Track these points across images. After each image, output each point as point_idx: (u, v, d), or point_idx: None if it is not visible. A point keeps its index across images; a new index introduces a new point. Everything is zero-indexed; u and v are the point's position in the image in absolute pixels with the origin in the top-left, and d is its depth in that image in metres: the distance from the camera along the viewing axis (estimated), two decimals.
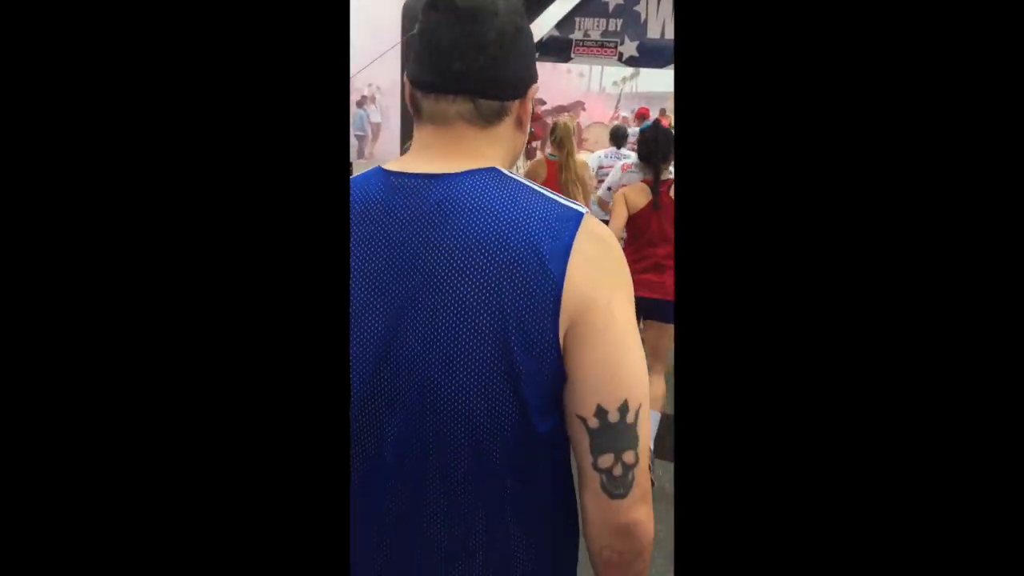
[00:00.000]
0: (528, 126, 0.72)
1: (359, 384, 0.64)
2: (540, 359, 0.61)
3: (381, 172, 0.69)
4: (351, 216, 0.65)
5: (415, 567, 0.67)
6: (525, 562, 0.67)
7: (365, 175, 0.70)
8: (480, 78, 0.64)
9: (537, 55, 0.81)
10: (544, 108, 6.79)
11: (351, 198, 0.66)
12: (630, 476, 0.61)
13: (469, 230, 0.62)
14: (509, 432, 0.63)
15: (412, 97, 0.68)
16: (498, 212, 0.63)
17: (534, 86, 0.70)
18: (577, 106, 7.61)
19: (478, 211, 0.63)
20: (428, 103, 0.67)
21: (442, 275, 0.62)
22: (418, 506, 0.66)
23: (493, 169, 0.67)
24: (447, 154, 0.67)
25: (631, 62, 4.03)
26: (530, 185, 0.67)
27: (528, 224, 0.62)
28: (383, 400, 0.64)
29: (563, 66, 7.48)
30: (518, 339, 0.60)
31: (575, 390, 0.62)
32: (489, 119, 0.67)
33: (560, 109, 6.69)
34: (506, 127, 0.69)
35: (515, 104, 0.69)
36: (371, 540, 0.67)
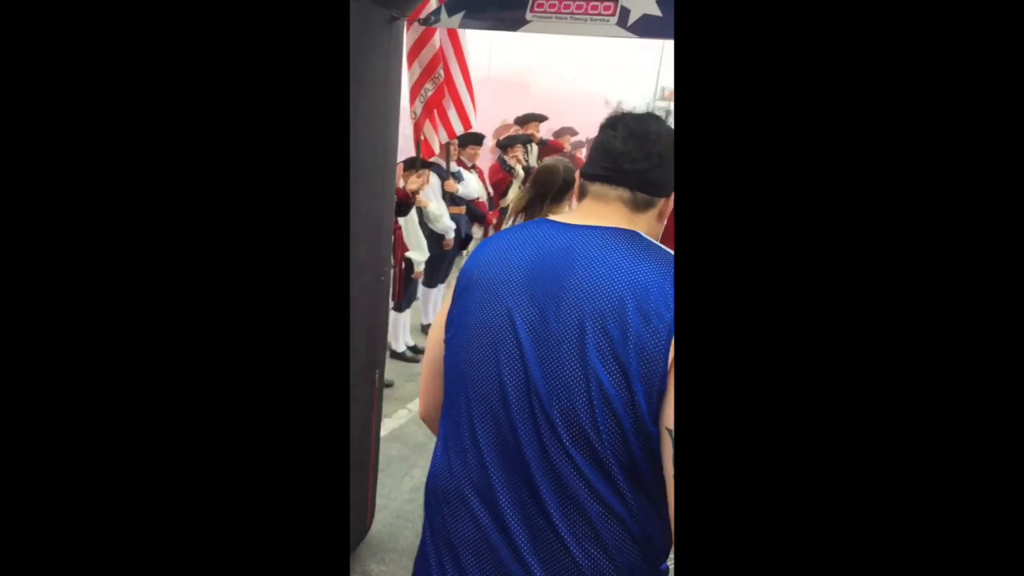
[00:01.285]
0: (666, 220, 0.92)
1: (508, 388, 0.83)
2: (650, 381, 0.77)
3: (547, 221, 0.91)
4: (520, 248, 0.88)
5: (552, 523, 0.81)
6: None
7: (533, 222, 0.94)
8: (640, 177, 0.85)
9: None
10: (576, 139, 5.76)
11: (519, 236, 0.90)
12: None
13: (610, 268, 0.81)
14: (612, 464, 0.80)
15: (581, 188, 0.91)
16: (635, 260, 0.81)
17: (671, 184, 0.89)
18: (565, 133, 5.69)
19: (650, 258, 0.82)
20: (595, 187, 0.89)
21: (557, 309, 0.82)
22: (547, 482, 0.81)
23: (637, 233, 0.87)
24: (603, 218, 0.87)
25: (643, 28, 1.75)
26: (664, 248, 0.85)
27: (661, 275, 0.79)
28: (502, 403, 0.85)
29: (583, 87, 7.22)
30: (631, 380, 0.77)
31: (667, 406, 0.75)
32: (640, 207, 0.87)
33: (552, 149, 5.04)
34: (650, 216, 0.89)
35: (661, 201, 0.89)
36: (513, 496, 0.84)
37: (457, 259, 4.48)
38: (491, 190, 4.84)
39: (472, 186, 4.35)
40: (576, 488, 0.80)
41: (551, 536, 0.81)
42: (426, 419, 1.05)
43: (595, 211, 0.88)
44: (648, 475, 0.79)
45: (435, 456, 0.94)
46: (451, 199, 4.17)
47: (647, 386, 0.76)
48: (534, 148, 5.14)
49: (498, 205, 4.73)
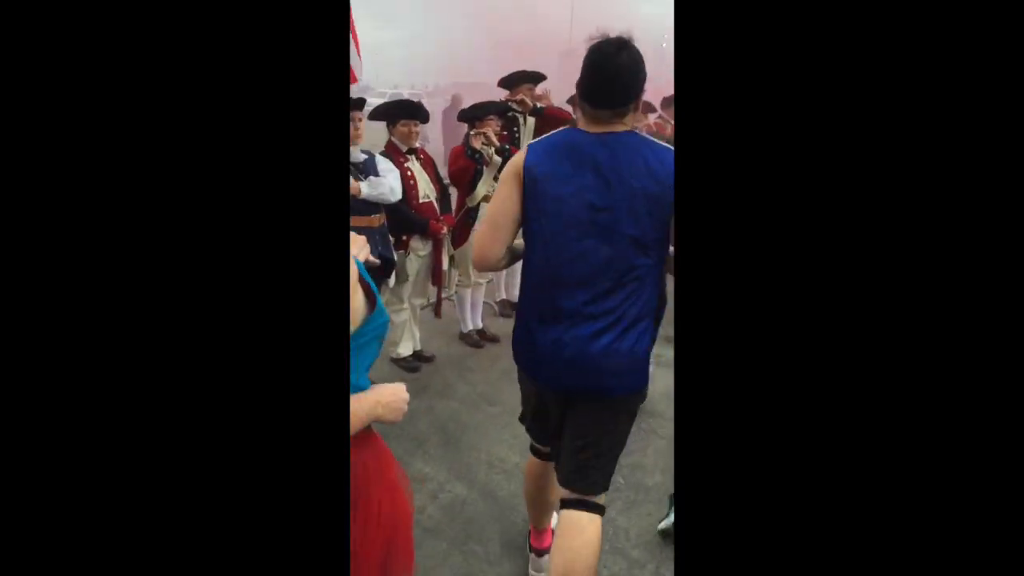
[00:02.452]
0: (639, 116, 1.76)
1: (575, 225, 1.42)
2: (663, 223, 1.43)
3: (570, 130, 1.47)
4: (561, 146, 1.45)
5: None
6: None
7: (562, 132, 1.49)
8: (621, 100, 1.40)
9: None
10: None
11: (558, 144, 1.46)
12: None
13: (633, 156, 1.40)
14: (633, 263, 1.45)
15: (583, 106, 1.45)
16: (643, 146, 1.42)
17: (642, 91, 1.46)
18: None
19: (635, 147, 1.41)
20: (592, 111, 1.43)
21: (618, 180, 1.40)
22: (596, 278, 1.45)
23: (632, 131, 1.45)
24: (602, 124, 1.42)
25: None
26: (648, 137, 1.47)
27: (659, 153, 1.39)
28: (571, 237, 1.43)
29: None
30: (653, 212, 1.41)
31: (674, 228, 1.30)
32: (624, 115, 1.42)
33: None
34: (630, 118, 1.44)
35: (633, 103, 1.43)
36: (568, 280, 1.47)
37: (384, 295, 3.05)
38: (447, 182, 3.38)
39: (388, 184, 2.81)
40: (633, 267, 1.44)
41: (609, 303, 1.45)
42: (484, 266, 1.57)
43: (600, 122, 1.43)
44: (662, 250, 1.44)
45: (523, 285, 1.57)
46: (356, 205, 2.66)
47: (664, 208, 1.39)
48: (528, 121, 3.58)
49: (461, 206, 3.38)
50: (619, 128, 1.40)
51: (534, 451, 1.77)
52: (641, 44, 1.41)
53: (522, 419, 1.77)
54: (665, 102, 4.99)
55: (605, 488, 1.58)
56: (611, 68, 1.35)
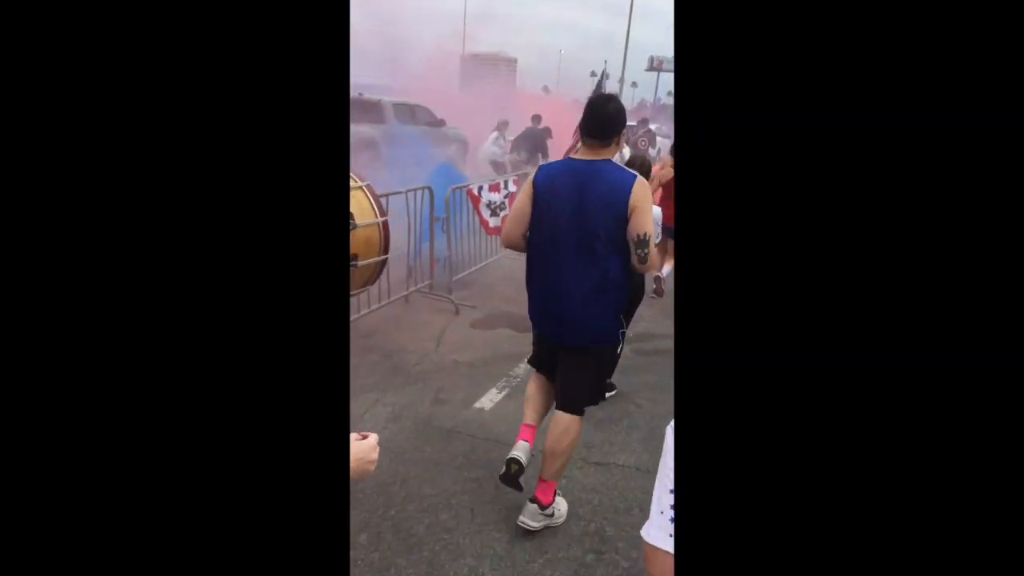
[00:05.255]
0: (621, 145, 2.37)
1: (562, 224, 2.18)
2: (619, 226, 2.14)
3: (569, 159, 2.28)
4: (558, 173, 2.24)
5: (565, 285, 2.24)
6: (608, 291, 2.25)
7: (562, 161, 2.34)
8: (608, 135, 2.20)
9: None
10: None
11: (559, 168, 2.28)
12: (645, 254, 2.12)
13: (603, 179, 2.13)
14: (600, 252, 2.18)
15: (582, 137, 2.23)
16: (611, 172, 2.16)
17: (623, 130, 2.27)
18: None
19: (606, 172, 2.15)
20: (588, 140, 2.21)
21: (590, 195, 2.13)
22: (569, 264, 2.22)
23: (608, 160, 2.20)
24: (593, 155, 2.19)
25: None
26: (620, 165, 2.22)
27: (621, 178, 2.13)
28: (560, 231, 2.20)
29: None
30: (610, 218, 2.13)
31: (630, 231, 2.11)
32: (608, 146, 2.21)
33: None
34: (611, 150, 2.22)
35: (616, 137, 2.22)
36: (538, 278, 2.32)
37: None
38: None
39: None
40: (597, 255, 2.16)
41: (582, 279, 2.18)
42: (510, 245, 2.40)
43: (592, 152, 2.19)
44: (623, 250, 2.16)
45: (529, 267, 2.35)
46: None
47: (619, 216, 2.10)
48: None
49: None
50: (603, 156, 2.19)
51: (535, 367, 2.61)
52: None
53: (531, 360, 2.62)
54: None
55: (590, 403, 2.44)
56: (601, 113, 2.18)
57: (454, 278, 5.26)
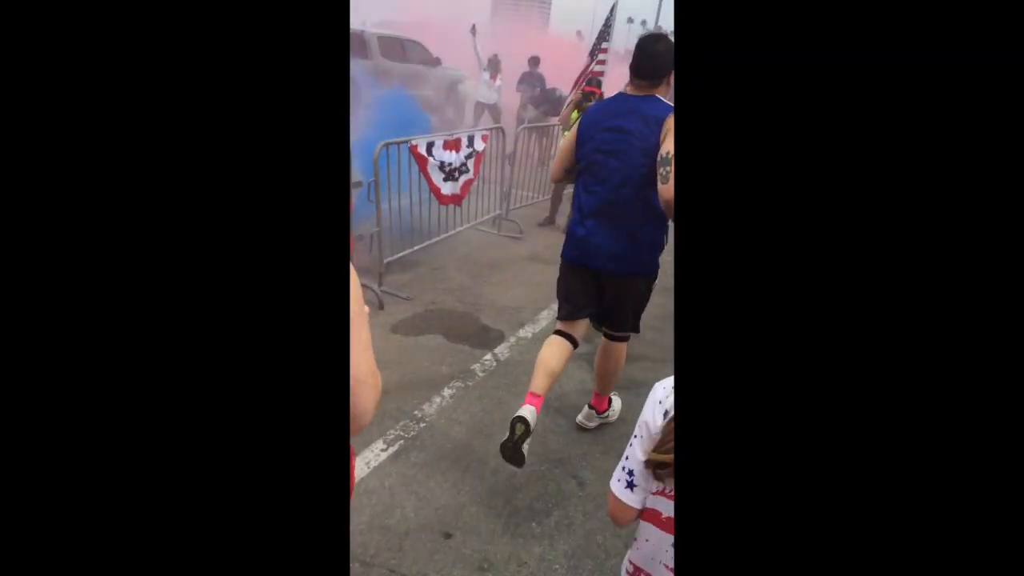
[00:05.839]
0: (672, 87, 2.32)
1: (608, 158, 2.24)
2: (648, 153, 2.19)
3: (620, 94, 2.32)
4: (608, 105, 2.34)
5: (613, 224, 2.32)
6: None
7: (608, 99, 2.39)
8: (656, 74, 2.22)
9: None
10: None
11: (605, 105, 2.36)
12: (668, 172, 2.02)
13: (643, 113, 2.19)
14: (636, 182, 2.24)
15: (631, 76, 2.27)
16: (652, 106, 2.20)
17: (672, 70, 2.22)
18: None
19: (651, 104, 2.21)
20: (635, 80, 2.25)
21: (620, 126, 2.22)
22: (611, 201, 2.30)
23: (652, 96, 2.26)
24: (642, 92, 2.25)
25: None
26: (663, 99, 2.24)
27: (659, 109, 2.18)
28: (606, 167, 2.27)
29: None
30: (650, 148, 2.17)
31: (659, 150, 2.12)
32: (656, 86, 2.23)
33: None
34: (660, 88, 2.24)
35: (666, 76, 2.23)
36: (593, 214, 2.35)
37: None
38: None
39: None
40: (639, 187, 2.21)
41: (630, 211, 2.25)
42: (555, 180, 2.55)
43: (640, 90, 2.23)
44: (654, 185, 2.16)
45: (575, 200, 2.42)
46: None
47: (649, 144, 2.16)
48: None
49: None
50: (649, 92, 2.21)
51: (560, 332, 2.50)
52: None
53: (560, 305, 2.56)
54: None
55: (634, 329, 2.53)
56: (649, 52, 2.19)
57: (387, 260, 4.09)
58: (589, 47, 6.31)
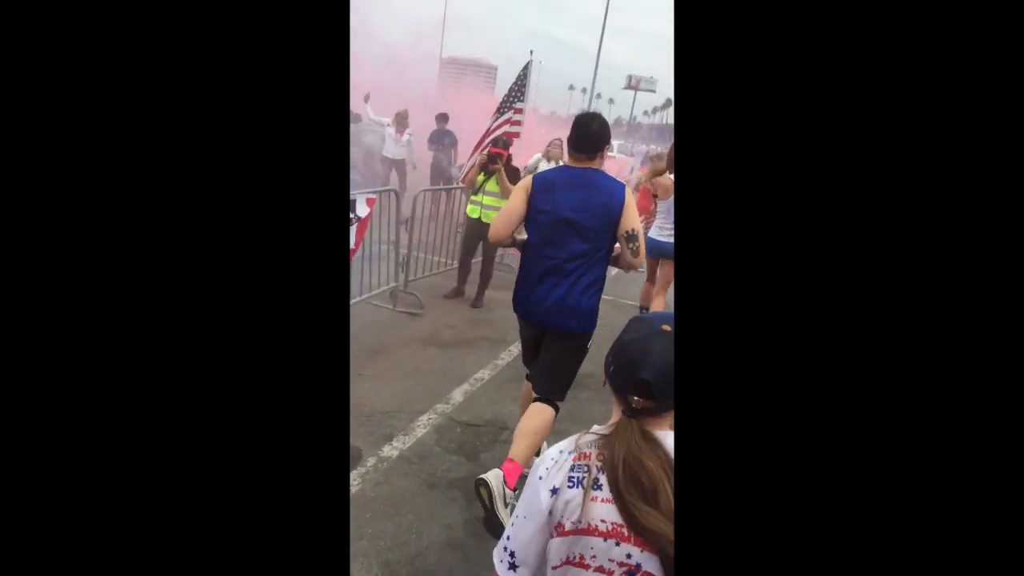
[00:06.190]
0: (604, 160, 2.54)
1: (559, 222, 2.39)
2: (610, 226, 2.38)
3: (564, 166, 2.52)
4: (554, 178, 2.46)
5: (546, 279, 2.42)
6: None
7: (555, 169, 2.56)
8: (593, 149, 2.45)
9: None
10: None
11: (555, 173, 2.50)
12: (636, 247, 2.41)
13: (597, 184, 2.41)
14: (592, 249, 2.42)
15: (569, 151, 2.51)
16: (605, 179, 2.46)
17: (607, 145, 2.49)
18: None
19: (599, 179, 2.43)
20: (576, 154, 2.47)
21: (582, 199, 2.38)
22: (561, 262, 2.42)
23: (598, 169, 2.48)
24: (581, 163, 2.46)
25: None
26: (606, 173, 2.52)
27: (614, 184, 2.45)
28: (558, 229, 2.41)
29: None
30: (604, 217, 2.39)
31: (621, 227, 2.39)
32: (594, 159, 2.45)
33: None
34: (599, 159, 2.48)
35: (601, 152, 2.49)
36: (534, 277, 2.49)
37: None
38: None
39: None
40: (591, 250, 2.40)
41: (580, 271, 2.41)
42: (497, 241, 2.52)
43: (580, 164, 2.42)
44: (610, 247, 2.44)
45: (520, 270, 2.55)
46: None
47: (613, 217, 2.37)
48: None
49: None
50: (588, 165, 2.43)
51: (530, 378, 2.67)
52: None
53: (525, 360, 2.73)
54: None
55: (560, 396, 2.52)
56: (585, 131, 2.42)
57: None
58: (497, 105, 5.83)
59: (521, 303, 2.53)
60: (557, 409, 2.45)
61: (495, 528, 2.15)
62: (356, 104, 9.50)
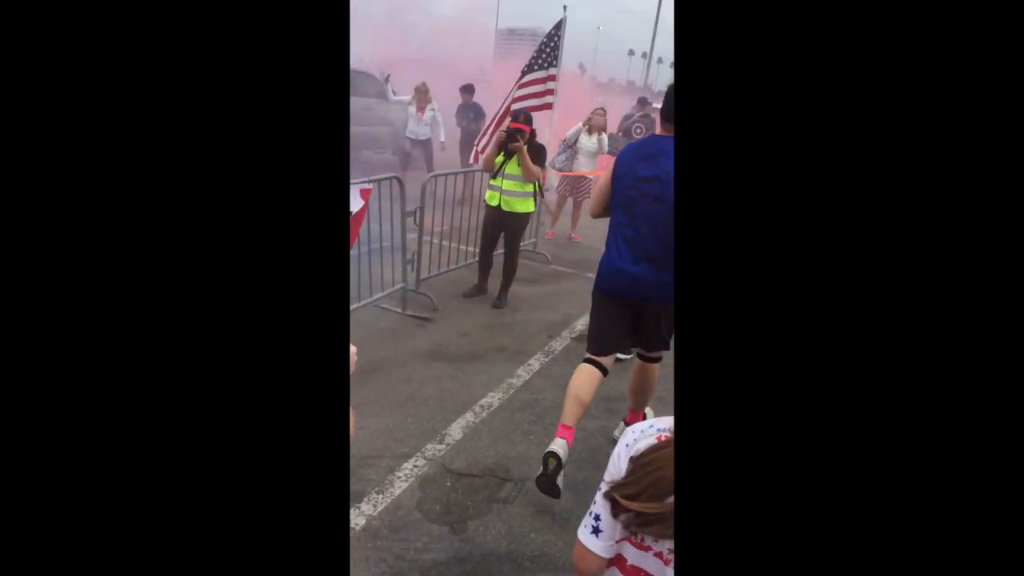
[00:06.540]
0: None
1: (640, 196, 2.36)
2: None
3: (651, 136, 2.47)
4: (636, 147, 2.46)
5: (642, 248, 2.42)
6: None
7: (643, 139, 2.55)
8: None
9: None
10: None
11: (637, 146, 2.47)
12: None
13: (670, 154, 2.32)
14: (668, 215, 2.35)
15: (662, 121, 2.42)
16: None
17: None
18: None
19: (672, 147, 2.31)
20: (666, 124, 2.38)
21: (663, 169, 2.31)
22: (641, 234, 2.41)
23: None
24: (670, 132, 2.36)
25: None
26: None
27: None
28: (639, 205, 2.39)
29: None
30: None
31: None
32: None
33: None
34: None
35: None
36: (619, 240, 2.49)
37: None
38: None
39: None
40: (668, 221, 2.33)
41: (662, 243, 2.36)
42: (595, 216, 2.64)
43: (669, 130, 2.34)
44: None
45: (607, 247, 2.51)
46: None
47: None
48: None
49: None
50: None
51: (590, 361, 2.59)
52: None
53: (590, 340, 2.64)
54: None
55: (667, 347, 2.63)
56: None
57: None
58: (531, 77, 5.01)
59: (609, 284, 2.52)
60: (606, 373, 2.54)
61: (551, 489, 2.23)
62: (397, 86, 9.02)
